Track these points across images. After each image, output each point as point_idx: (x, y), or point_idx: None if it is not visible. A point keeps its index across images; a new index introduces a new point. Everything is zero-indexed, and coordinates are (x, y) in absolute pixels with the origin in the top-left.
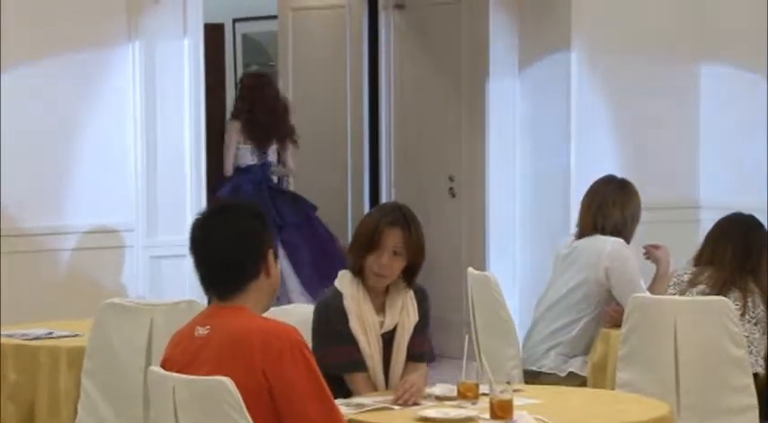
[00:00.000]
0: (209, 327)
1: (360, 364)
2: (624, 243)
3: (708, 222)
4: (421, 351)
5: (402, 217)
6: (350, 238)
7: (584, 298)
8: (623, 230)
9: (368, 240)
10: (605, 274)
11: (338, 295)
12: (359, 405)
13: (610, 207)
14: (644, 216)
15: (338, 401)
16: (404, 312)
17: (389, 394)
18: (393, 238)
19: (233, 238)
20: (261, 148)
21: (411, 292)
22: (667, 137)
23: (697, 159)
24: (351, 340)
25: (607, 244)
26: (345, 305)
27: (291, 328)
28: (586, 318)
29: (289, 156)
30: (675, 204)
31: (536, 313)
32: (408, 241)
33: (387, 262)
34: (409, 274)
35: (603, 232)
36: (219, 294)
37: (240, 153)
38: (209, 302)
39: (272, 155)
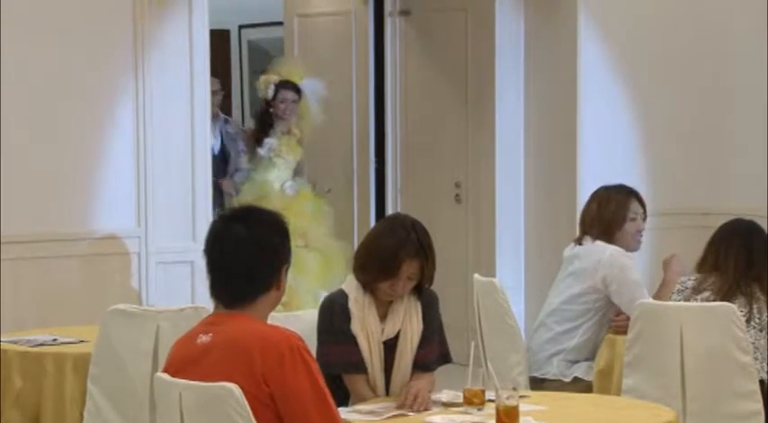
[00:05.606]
0: (210, 334)
1: (359, 366)
2: (622, 251)
3: None
4: (427, 361)
5: (420, 247)
6: (356, 243)
7: (584, 304)
8: (609, 230)
9: (384, 268)
10: (603, 281)
11: (344, 295)
12: (371, 412)
13: (591, 209)
14: (657, 222)
15: (347, 409)
16: (406, 320)
17: (394, 401)
18: (410, 268)
19: (251, 250)
20: None
21: (417, 301)
22: (673, 141)
23: (713, 166)
24: (352, 340)
25: (605, 252)
26: (350, 306)
27: (291, 333)
28: (587, 324)
29: None
30: (689, 211)
31: (538, 317)
32: (425, 269)
33: (401, 289)
34: (416, 286)
35: (593, 236)
36: (227, 303)
37: None
38: (215, 308)
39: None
